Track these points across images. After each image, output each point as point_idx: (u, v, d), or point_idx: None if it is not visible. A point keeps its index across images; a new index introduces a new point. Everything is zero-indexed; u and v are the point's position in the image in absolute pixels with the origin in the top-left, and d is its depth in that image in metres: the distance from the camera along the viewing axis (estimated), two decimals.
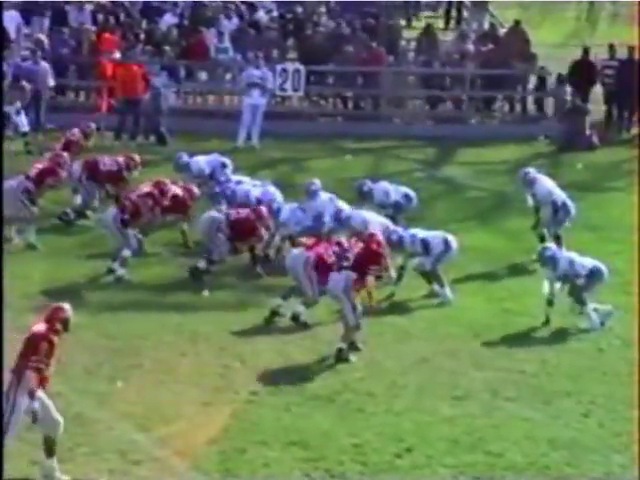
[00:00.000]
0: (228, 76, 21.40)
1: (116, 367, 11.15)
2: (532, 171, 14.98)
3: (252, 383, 10.98)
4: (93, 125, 16.92)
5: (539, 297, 12.61)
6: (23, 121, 18.57)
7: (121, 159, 15.70)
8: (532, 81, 21.67)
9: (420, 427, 10.20)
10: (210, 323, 12.35)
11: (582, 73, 20.69)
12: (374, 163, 19.42)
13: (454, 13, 24.86)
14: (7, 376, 9.11)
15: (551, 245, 13.24)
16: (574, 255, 12.63)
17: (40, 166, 14.84)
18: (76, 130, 16.39)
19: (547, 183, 14.83)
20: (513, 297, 13.38)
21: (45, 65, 19.58)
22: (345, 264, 11.99)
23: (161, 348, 11.67)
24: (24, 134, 18.54)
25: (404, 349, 11.85)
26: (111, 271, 13.51)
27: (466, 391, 10.93)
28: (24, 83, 18.95)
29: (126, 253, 13.56)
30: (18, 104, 18.49)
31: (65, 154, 15.32)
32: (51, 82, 19.58)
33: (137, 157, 15.93)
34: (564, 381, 11.20)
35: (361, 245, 12.19)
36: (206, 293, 13.15)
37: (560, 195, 14.54)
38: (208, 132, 19.60)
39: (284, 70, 20.84)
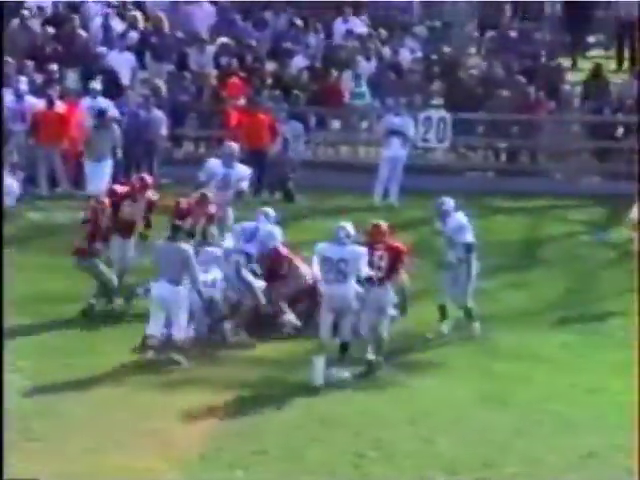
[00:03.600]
0: (364, 124, 21.57)
1: (237, 454, 11.20)
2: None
3: (391, 475, 10.89)
4: None
5: None
6: None
7: None
8: None
9: None
10: (342, 404, 12.37)
11: None
12: (531, 224, 19.24)
13: (627, 52, 24.53)
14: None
15: None
16: None
17: None
18: None
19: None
20: None
21: (159, 114, 20.03)
22: None
23: (287, 432, 11.70)
24: None
25: (567, 442, 11.64)
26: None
27: None
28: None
29: None
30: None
31: None
32: (164, 131, 19.98)
33: None
34: None
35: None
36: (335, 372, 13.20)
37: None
38: (340, 187, 19.81)
39: (428, 118, 20.92)
